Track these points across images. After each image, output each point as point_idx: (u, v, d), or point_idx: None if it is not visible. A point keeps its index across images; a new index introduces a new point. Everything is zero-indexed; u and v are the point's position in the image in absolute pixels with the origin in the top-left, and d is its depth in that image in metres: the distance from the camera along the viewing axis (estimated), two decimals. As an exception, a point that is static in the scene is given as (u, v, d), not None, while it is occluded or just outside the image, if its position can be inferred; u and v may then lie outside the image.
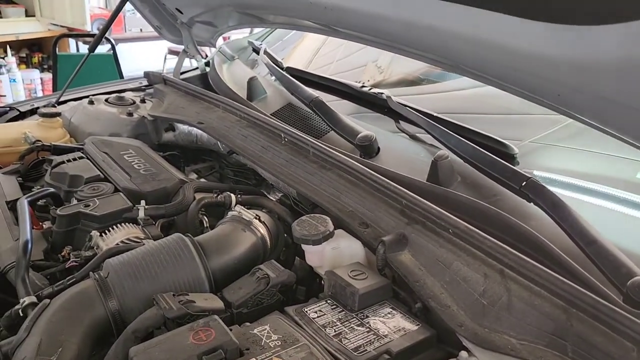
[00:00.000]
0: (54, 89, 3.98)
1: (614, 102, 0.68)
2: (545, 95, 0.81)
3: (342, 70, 2.00)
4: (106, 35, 4.03)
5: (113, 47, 3.94)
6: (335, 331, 0.84)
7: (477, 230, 0.92)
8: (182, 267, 0.94)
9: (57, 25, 5.07)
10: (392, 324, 0.87)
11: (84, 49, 5.54)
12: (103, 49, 4.44)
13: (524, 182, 1.02)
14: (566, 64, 0.68)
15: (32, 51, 5.63)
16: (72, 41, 5.59)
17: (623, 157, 1.18)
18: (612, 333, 0.75)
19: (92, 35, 4.60)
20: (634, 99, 0.64)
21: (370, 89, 1.48)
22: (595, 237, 0.90)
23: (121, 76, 3.90)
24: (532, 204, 1.01)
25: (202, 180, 1.54)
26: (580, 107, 0.77)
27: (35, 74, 5.35)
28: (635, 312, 0.79)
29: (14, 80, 5.00)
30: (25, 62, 5.56)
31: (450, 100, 1.62)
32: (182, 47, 2.26)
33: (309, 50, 2.26)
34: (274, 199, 1.44)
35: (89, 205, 1.17)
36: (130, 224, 1.15)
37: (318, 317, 0.87)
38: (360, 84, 1.52)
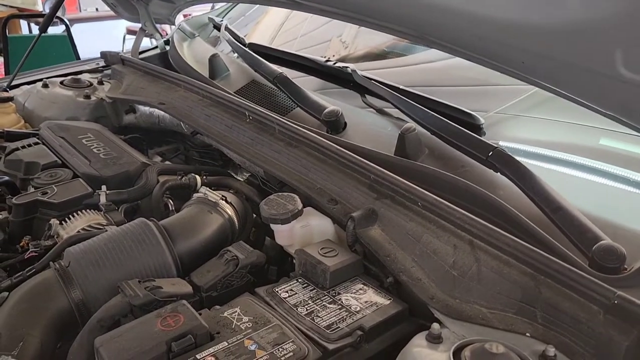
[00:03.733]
0: (6, 73, 3.80)
1: (573, 66, 0.68)
2: (510, 63, 0.81)
3: (306, 46, 1.96)
4: (60, 15, 3.88)
5: (67, 28, 3.79)
6: (307, 310, 0.83)
7: (446, 202, 0.92)
8: (148, 253, 0.92)
9: (6, 5, 4.83)
10: (364, 300, 0.86)
11: (36, 30, 5.31)
12: (58, 29, 4.25)
13: (491, 152, 1.02)
14: (530, 30, 0.67)
15: (-19, 34, 5.35)
16: (24, 22, 5.35)
17: (586, 125, 1.19)
18: (579, 297, 0.76)
19: (44, 16, 4.42)
20: (592, 61, 0.64)
21: (335, 64, 1.46)
22: (561, 204, 0.91)
23: (77, 58, 3.75)
24: (499, 173, 1.02)
25: (167, 162, 1.50)
26: (543, 74, 0.77)
27: (-12, 57, 5.10)
28: (601, 275, 0.81)
29: (-35, 64, 4.75)
30: (-25, 45, 5.29)
31: (416, 73, 1.61)
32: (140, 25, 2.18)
33: (272, 26, 2.21)
34: (242, 179, 1.41)
35: (46, 193, 1.12)
36: (92, 210, 1.11)
37: (289, 296, 0.86)
38: (325, 59, 1.50)
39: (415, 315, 0.88)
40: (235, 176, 1.44)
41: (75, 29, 5.22)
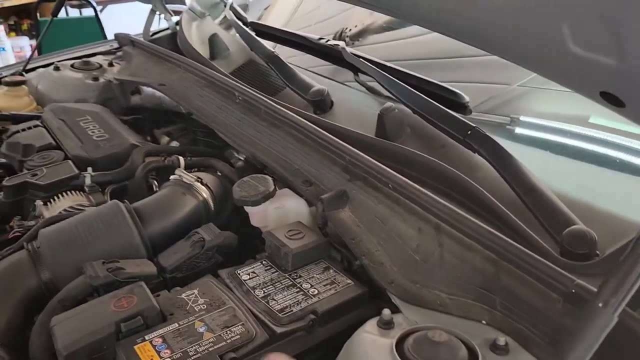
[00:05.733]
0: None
1: (528, 41, 0.64)
2: (473, 39, 0.76)
3: (330, 15, 1.88)
4: (89, -2, 3.96)
5: (95, 10, 3.86)
6: (264, 293, 0.83)
7: (414, 185, 0.89)
8: (116, 234, 0.93)
9: (40, -10, 4.96)
10: (324, 284, 0.85)
11: (73, 12, 5.44)
12: (92, 12, 4.33)
13: (469, 132, 0.98)
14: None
15: (20, 18, 5.52)
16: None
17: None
18: (540, 285, 0.73)
19: (77, -2, 4.52)
20: (543, 36, 0.60)
21: (327, 41, 1.42)
22: (535, 185, 0.87)
23: (105, 39, 3.83)
24: (477, 154, 0.98)
25: (154, 144, 1.51)
26: (506, 50, 0.72)
27: (25, 41, 5.26)
28: (568, 263, 0.77)
29: (4, 49, 4.91)
30: (14, 29, 5.47)
31: (440, 42, 1.53)
32: (177, 5, 2.19)
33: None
34: (242, 159, 1.41)
35: (36, 175, 1.16)
36: (77, 191, 1.13)
37: (250, 278, 0.86)
38: (318, 37, 1.46)
39: (382, 299, 0.86)
40: (238, 156, 1.44)
41: (109, 10, 5.32)
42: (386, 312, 0.74)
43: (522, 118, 1.20)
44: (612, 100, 0.64)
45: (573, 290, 0.69)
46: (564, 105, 1.23)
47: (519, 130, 1.19)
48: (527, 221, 0.85)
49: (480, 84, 1.34)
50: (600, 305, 0.48)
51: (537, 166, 1.00)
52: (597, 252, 0.78)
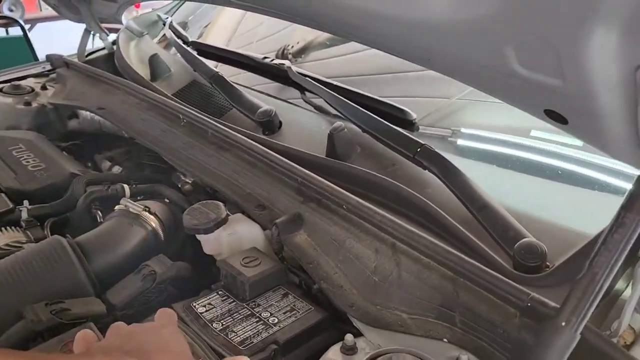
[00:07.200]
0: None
1: (473, 63, 0.65)
2: (416, 59, 0.78)
3: (273, 32, 1.87)
4: (15, 16, 3.77)
5: (23, 29, 3.68)
6: (222, 325, 0.80)
7: (368, 205, 0.89)
8: (59, 272, 0.87)
9: (-35, 8, 4.69)
10: (283, 311, 0.83)
11: (2, 32, 5.17)
12: (18, 31, 4.13)
13: (418, 149, 0.99)
14: (422, 27, 0.64)
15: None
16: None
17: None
18: (497, 300, 0.74)
19: (2, 17, 4.29)
20: (488, 58, 0.61)
21: (272, 60, 1.41)
22: (486, 201, 0.89)
23: (36, 59, 3.65)
24: (427, 171, 0.99)
25: (95, 172, 1.44)
26: (451, 70, 0.74)
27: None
28: (521, 275, 0.79)
29: None
30: None
31: (381, 58, 1.55)
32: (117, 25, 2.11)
33: (237, 12, 2.12)
34: (189, 181, 1.37)
35: (-34, 211, 1.08)
36: (13, 227, 1.06)
37: (206, 311, 0.83)
38: (262, 56, 1.45)
39: (345, 322, 0.85)
40: (184, 179, 1.40)
41: (37, 29, 5.09)
42: (349, 337, 0.73)
43: (463, 130, 1.23)
44: (555, 117, 0.66)
45: (528, 304, 0.71)
46: (504, 117, 1.27)
47: (460, 141, 1.22)
48: (480, 236, 0.87)
49: (422, 98, 1.36)
50: (562, 324, 0.49)
51: (479, 176, 1.03)
52: (548, 263, 0.81)
